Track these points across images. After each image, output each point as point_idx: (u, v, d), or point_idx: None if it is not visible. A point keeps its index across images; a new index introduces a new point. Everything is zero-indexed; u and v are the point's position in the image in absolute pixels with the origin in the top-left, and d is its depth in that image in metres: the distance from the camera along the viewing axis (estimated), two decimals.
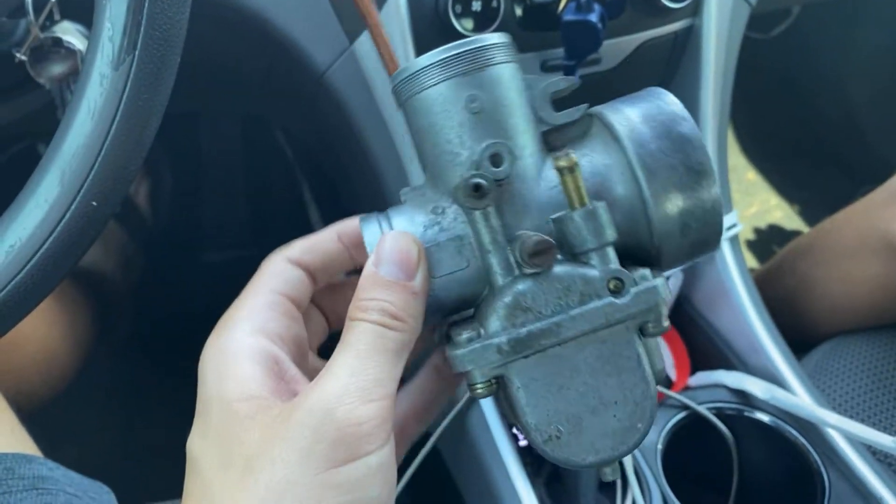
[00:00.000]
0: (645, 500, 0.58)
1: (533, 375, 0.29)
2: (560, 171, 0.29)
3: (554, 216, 0.30)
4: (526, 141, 0.31)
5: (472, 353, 0.29)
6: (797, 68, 1.32)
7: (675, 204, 0.30)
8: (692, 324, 0.72)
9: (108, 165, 0.34)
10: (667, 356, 0.73)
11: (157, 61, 0.34)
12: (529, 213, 0.31)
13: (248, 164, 1.18)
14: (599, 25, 0.55)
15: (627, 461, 0.59)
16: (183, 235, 1.24)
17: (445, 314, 0.32)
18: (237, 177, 1.21)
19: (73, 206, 0.34)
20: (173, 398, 1.15)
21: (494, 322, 0.29)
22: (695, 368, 0.71)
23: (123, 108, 0.34)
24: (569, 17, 0.55)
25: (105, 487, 0.50)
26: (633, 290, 0.29)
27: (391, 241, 0.29)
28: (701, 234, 0.31)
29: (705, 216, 0.30)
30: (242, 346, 0.30)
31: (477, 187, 0.29)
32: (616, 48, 0.62)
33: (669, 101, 0.31)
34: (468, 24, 0.56)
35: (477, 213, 0.30)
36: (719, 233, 0.31)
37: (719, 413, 0.65)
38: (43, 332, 0.69)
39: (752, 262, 1.29)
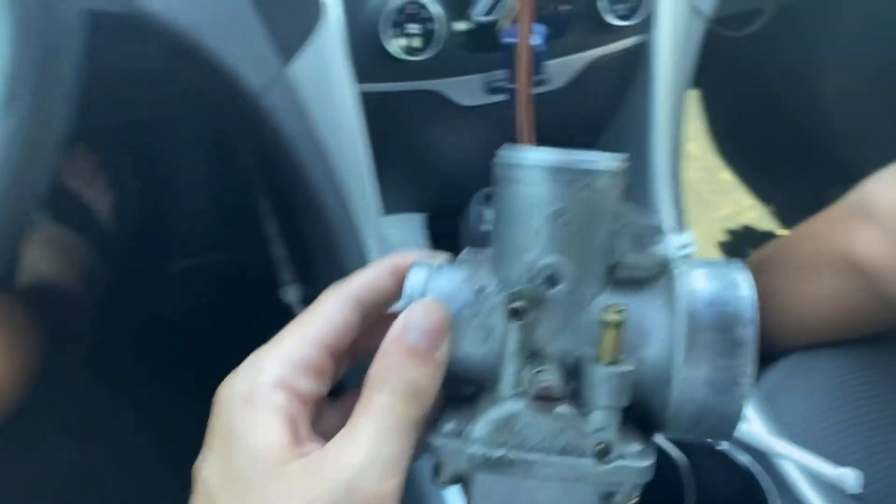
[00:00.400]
0: None
1: (493, 490, 0.30)
2: (604, 322, 0.28)
3: (579, 354, 0.30)
4: (591, 269, 0.30)
5: (446, 448, 0.29)
6: (771, 67, 1.31)
7: (699, 396, 0.29)
8: None
9: None
10: None
11: (42, 114, 0.32)
12: (564, 338, 0.30)
13: (213, 170, 1.17)
14: (541, 47, 0.53)
15: None
16: (150, 244, 1.22)
17: (446, 385, 0.31)
18: (202, 183, 1.19)
19: None
20: (139, 409, 1.14)
21: (480, 429, 0.29)
22: None
23: (5, 162, 0.32)
24: (508, 39, 0.54)
25: None
26: (617, 462, 0.29)
27: (422, 309, 0.29)
28: (711, 428, 0.29)
29: (722, 418, 0.29)
30: (269, 400, 0.29)
31: (514, 312, 0.29)
32: (564, 67, 0.61)
33: (744, 293, 0.29)
34: (401, 42, 0.54)
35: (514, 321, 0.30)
36: (730, 432, 0.30)
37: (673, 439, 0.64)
38: None
39: None
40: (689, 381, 0.28)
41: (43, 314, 0.85)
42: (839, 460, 0.65)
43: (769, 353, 0.77)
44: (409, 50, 0.55)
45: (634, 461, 0.29)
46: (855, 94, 1.24)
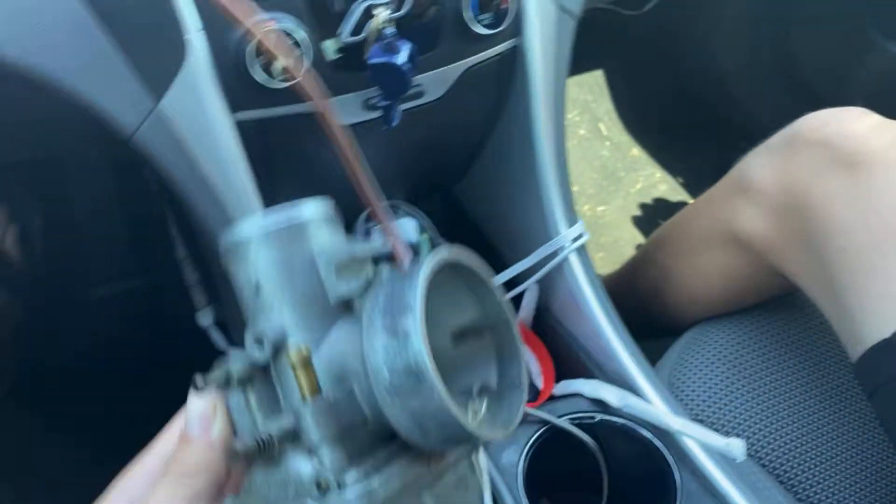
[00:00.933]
0: None
1: None
2: (292, 365, 0.29)
3: (295, 406, 0.30)
4: (298, 317, 0.31)
5: None
6: (670, 41, 1.34)
7: (400, 408, 0.28)
8: (553, 333, 0.74)
9: None
10: (533, 365, 0.75)
11: None
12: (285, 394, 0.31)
13: (122, 197, 1.15)
14: (406, 66, 0.54)
15: (486, 486, 0.60)
16: (66, 275, 1.20)
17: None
18: (112, 211, 1.17)
19: None
20: (69, 436, 1.12)
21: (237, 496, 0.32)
22: (560, 376, 0.73)
23: None
24: (374, 59, 0.55)
25: None
26: (332, 496, 0.28)
27: (189, 403, 0.32)
28: (444, 433, 0.28)
29: (437, 418, 0.28)
30: None
31: (227, 385, 0.30)
32: (438, 78, 0.62)
33: (409, 283, 0.29)
34: (270, 70, 0.55)
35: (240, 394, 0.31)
36: (466, 434, 0.28)
37: (580, 422, 0.67)
38: None
39: (640, 238, 1.32)
40: (383, 393, 0.28)
41: None
42: (733, 428, 0.69)
43: (672, 328, 0.80)
44: (279, 76, 0.55)
45: (354, 488, 0.28)
46: (748, 60, 1.28)
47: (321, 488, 0.29)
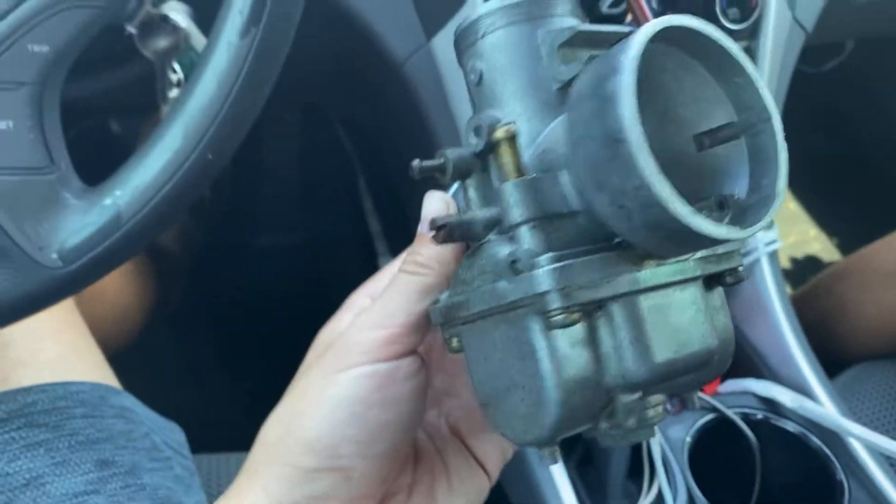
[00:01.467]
0: (671, 491, 0.61)
1: (469, 342, 0.31)
2: (496, 141, 0.29)
3: (498, 186, 0.29)
4: (521, 107, 0.30)
5: (433, 311, 0.32)
6: (846, 103, 1.34)
7: (598, 183, 0.25)
8: None
9: (225, 123, 0.39)
10: None
11: (277, 34, 0.39)
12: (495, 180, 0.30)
13: (306, 152, 1.23)
14: None
15: (656, 451, 0.62)
16: (239, 217, 1.29)
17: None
18: (294, 166, 1.26)
19: (191, 157, 0.39)
20: (216, 374, 1.20)
21: (451, 287, 0.32)
22: (725, 376, 0.74)
23: (245, 73, 0.38)
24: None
25: (178, 427, 0.54)
26: (522, 276, 0.27)
27: (425, 201, 0.34)
28: (651, 217, 0.24)
29: (637, 196, 0.24)
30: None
31: (435, 169, 0.30)
32: None
33: (623, 45, 0.24)
34: None
35: (460, 186, 0.32)
36: (672, 214, 0.24)
37: (746, 418, 0.68)
38: (118, 288, 0.74)
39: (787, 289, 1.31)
40: (581, 169, 0.26)
41: (152, 262, 0.92)
42: None
43: (843, 360, 0.80)
44: None
45: (547, 270, 0.26)
46: None
47: (515, 269, 0.27)
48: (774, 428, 0.67)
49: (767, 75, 0.69)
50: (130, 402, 0.52)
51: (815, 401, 0.66)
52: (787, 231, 1.38)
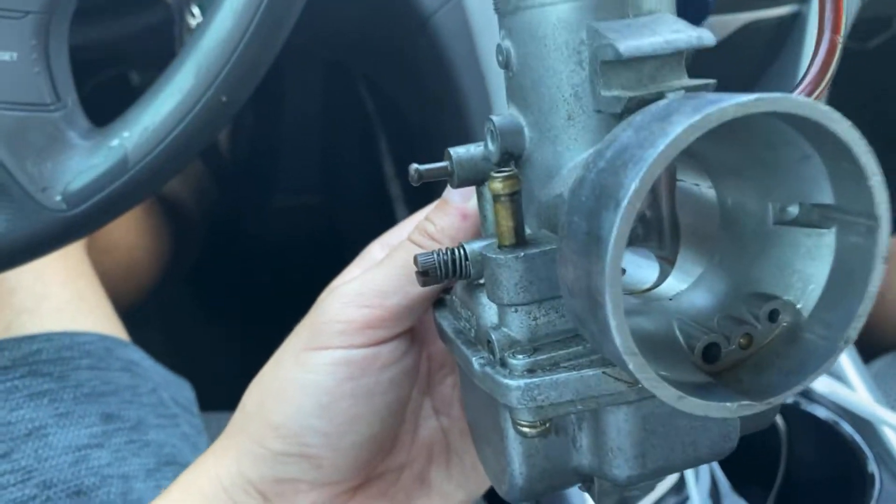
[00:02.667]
0: (693, 474, 0.59)
1: (462, 381, 0.30)
2: (495, 196, 0.24)
3: (480, 249, 0.25)
4: (544, 121, 0.24)
5: (438, 316, 0.30)
6: (892, 80, 1.29)
7: (581, 320, 0.21)
8: None
9: (241, 63, 0.36)
10: None
11: None
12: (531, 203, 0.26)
13: (327, 112, 1.21)
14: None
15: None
16: (257, 175, 1.28)
17: None
18: (315, 123, 1.23)
19: (204, 98, 0.36)
20: (229, 332, 1.19)
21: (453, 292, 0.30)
22: None
23: (263, 9, 0.36)
24: None
25: (187, 384, 0.53)
26: (495, 373, 0.24)
27: None
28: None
29: (614, 357, 0.20)
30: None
31: (439, 173, 0.27)
32: (721, 25, 0.62)
33: (639, 161, 0.18)
34: None
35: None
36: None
37: None
38: (131, 241, 0.72)
39: None
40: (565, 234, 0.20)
41: (168, 216, 0.90)
42: None
43: (878, 346, 0.77)
44: None
45: (518, 381, 0.23)
46: None
47: (491, 350, 0.24)
48: (804, 413, 0.65)
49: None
50: (138, 355, 0.50)
51: (849, 387, 0.63)
52: None
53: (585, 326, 0.20)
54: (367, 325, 0.28)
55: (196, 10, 0.52)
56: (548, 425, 0.24)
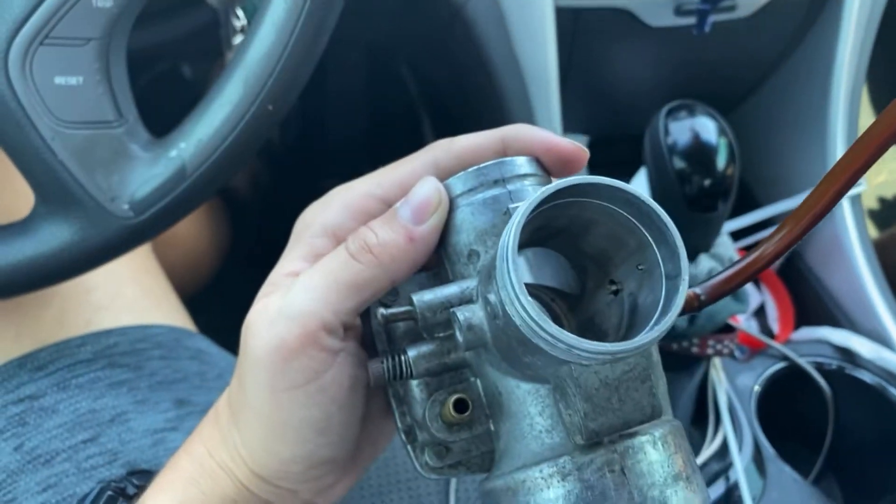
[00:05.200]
0: (736, 441, 0.60)
1: None
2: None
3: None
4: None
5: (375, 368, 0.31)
6: None
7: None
8: (801, 280, 0.72)
9: (284, 73, 0.39)
10: (771, 308, 0.74)
11: None
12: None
13: (371, 95, 1.23)
14: None
15: (722, 399, 0.61)
16: (305, 160, 1.31)
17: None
18: (360, 107, 1.25)
19: (252, 108, 0.39)
20: None
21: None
22: (799, 324, 0.71)
23: (302, 22, 0.38)
24: None
25: None
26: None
27: (420, 185, 0.27)
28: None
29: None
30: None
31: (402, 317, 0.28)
32: None
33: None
34: None
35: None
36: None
37: (820, 367, 0.66)
38: (193, 233, 0.76)
39: (872, 231, 1.24)
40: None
41: (225, 206, 0.95)
42: None
43: None
44: None
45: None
46: None
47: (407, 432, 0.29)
48: (850, 378, 0.65)
49: (857, 5, 0.64)
50: (205, 344, 0.54)
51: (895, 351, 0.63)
52: (878, 169, 1.31)
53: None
54: (290, 347, 0.26)
55: (240, 13, 0.55)
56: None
